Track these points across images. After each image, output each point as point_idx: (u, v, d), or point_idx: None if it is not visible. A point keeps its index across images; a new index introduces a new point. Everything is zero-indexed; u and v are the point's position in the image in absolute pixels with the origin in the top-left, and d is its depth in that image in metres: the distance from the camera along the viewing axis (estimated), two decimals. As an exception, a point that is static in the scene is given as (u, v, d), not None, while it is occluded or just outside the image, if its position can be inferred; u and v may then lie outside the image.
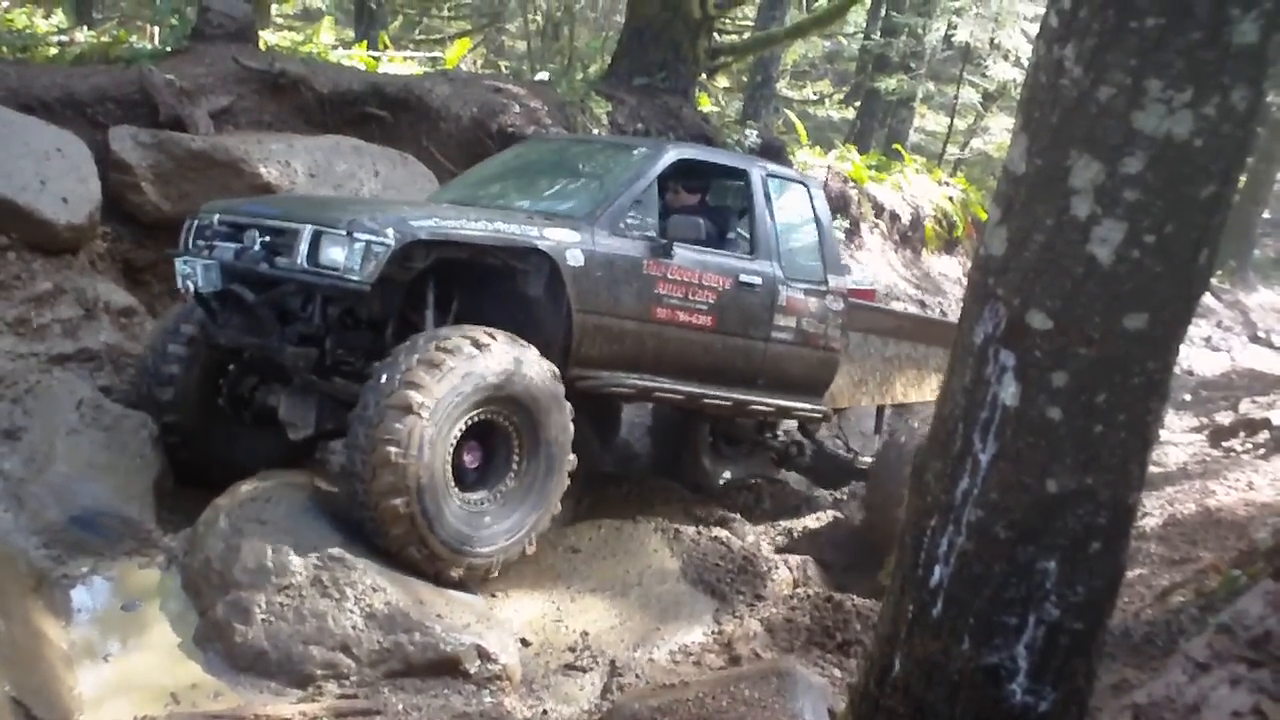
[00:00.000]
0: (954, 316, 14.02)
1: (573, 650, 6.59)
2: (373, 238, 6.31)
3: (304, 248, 6.42)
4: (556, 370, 6.81)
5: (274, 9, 22.77)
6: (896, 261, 16.91)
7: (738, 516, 9.12)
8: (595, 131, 13.18)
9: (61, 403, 7.16)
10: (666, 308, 7.57)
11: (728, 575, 7.49)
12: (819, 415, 8.96)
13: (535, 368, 6.63)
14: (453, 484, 6.44)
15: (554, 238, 7.05)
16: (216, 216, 7.14)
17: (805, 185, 8.92)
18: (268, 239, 6.70)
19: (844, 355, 8.90)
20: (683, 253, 7.63)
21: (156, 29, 15.97)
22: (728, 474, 10.36)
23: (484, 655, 5.95)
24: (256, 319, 6.88)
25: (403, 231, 6.42)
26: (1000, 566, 3.27)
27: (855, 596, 7.27)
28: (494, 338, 6.48)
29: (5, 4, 17.21)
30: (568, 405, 6.85)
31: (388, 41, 18.17)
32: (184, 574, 6.38)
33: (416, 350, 6.27)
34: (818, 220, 8.75)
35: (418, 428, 6.09)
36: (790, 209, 8.68)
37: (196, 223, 7.26)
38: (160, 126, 10.21)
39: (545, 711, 5.91)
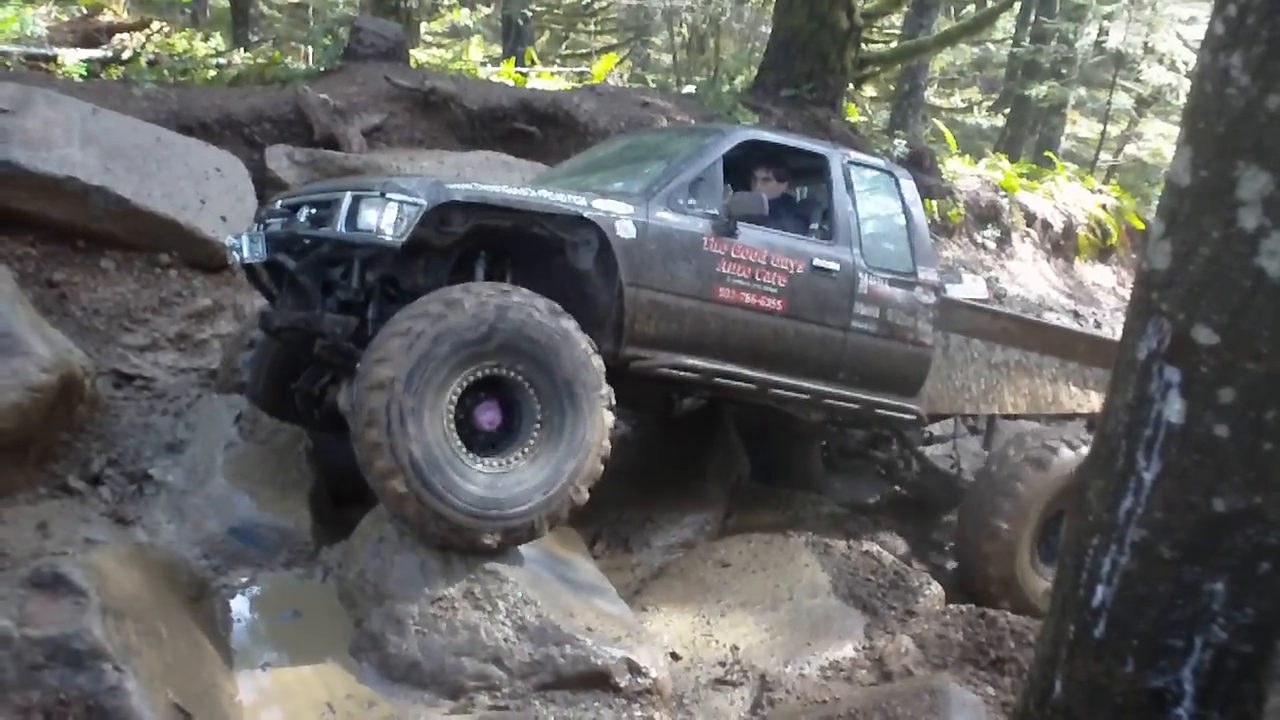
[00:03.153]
0: (1108, 328, 13.77)
1: (723, 665, 6.56)
2: (405, 198, 6.28)
3: (343, 213, 6.39)
4: (555, 306, 6.42)
5: (424, 28, 23.14)
6: (1049, 271, 16.62)
7: (889, 530, 9.03)
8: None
9: (221, 417, 7.35)
10: (730, 288, 7.27)
11: (879, 590, 7.40)
12: (910, 416, 8.36)
13: (525, 310, 6.25)
14: (463, 449, 6.15)
15: (603, 208, 6.88)
16: (280, 202, 7.25)
17: (892, 174, 8.52)
18: (314, 211, 6.73)
19: (943, 357, 8.50)
20: (749, 232, 7.38)
21: (310, 50, 16.37)
22: (838, 487, 10.08)
23: (634, 669, 5.93)
24: (305, 294, 6.89)
25: (435, 193, 6.38)
26: (1165, 587, 3.20)
27: (1009, 612, 7.15)
28: (469, 292, 6.24)
29: (166, 29, 17.72)
30: (581, 339, 6.43)
31: (535, 57, 18.41)
32: (339, 585, 6.46)
33: (389, 324, 6.13)
34: (906, 210, 8.34)
35: (394, 403, 5.89)
36: (875, 197, 8.32)
37: (261, 209, 7.41)
38: (315, 145, 10.47)
39: (696, 726, 5.91)
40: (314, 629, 6.26)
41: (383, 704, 5.63)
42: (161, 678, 4.88)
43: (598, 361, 6.47)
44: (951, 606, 7.31)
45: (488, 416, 6.35)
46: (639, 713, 5.82)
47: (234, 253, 7.09)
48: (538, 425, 6.34)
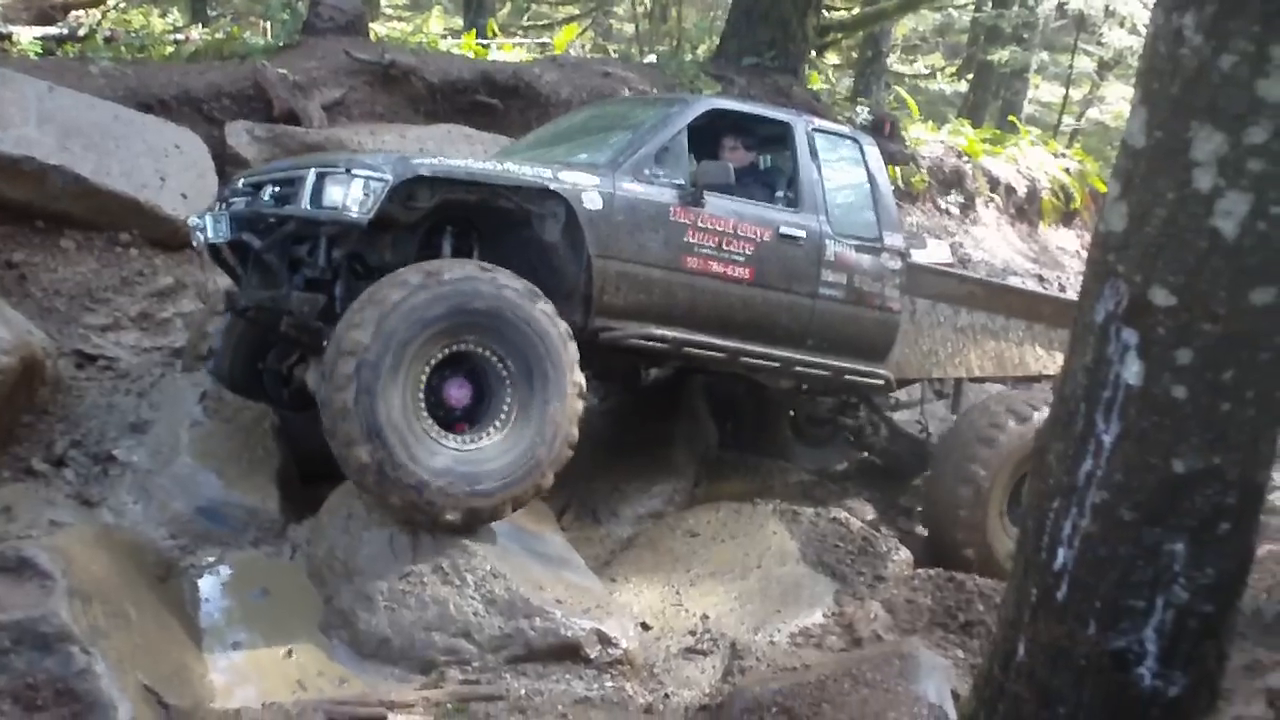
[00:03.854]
0: (1072, 291, 13.81)
1: (693, 634, 6.57)
2: (370, 174, 6.23)
3: (308, 190, 6.33)
4: (530, 288, 6.37)
5: (383, 1, 22.99)
6: (1013, 236, 16.66)
7: (857, 497, 9.06)
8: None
9: (185, 396, 7.30)
10: (698, 257, 7.25)
11: (847, 556, 7.42)
12: (879, 381, 8.31)
13: (493, 287, 6.21)
14: (430, 424, 6.12)
15: (569, 180, 6.84)
16: (242, 180, 7.16)
17: (857, 141, 8.48)
18: (278, 189, 6.66)
19: (910, 322, 8.49)
20: (715, 201, 7.34)
21: (269, 24, 16.25)
22: (806, 455, 10.08)
23: (604, 640, 5.94)
24: (271, 273, 6.82)
25: (401, 169, 6.32)
26: (1126, 549, 3.22)
27: (977, 576, 7.18)
28: (442, 269, 6.21)
29: (123, 5, 17.58)
30: (552, 324, 6.37)
31: (496, 29, 18.31)
32: (308, 563, 6.45)
33: (364, 294, 6.10)
34: (871, 176, 8.31)
35: (364, 370, 5.85)
36: (841, 164, 8.26)
37: (223, 188, 7.31)
38: (275, 120, 10.40)
39: (666, 695, 5.91)
40: (283, 607, 6.25)
41: (354, 680, 5.64)
42: (130, 659, 4.87)
43: (573, 348, 6.42)
44: (920, 571, 7.34)
45: (457, 393, 6.31)
46: (610, 683, 5.83)
47: (198, 233, 7.05)
48: (507, 405, 6.31)
